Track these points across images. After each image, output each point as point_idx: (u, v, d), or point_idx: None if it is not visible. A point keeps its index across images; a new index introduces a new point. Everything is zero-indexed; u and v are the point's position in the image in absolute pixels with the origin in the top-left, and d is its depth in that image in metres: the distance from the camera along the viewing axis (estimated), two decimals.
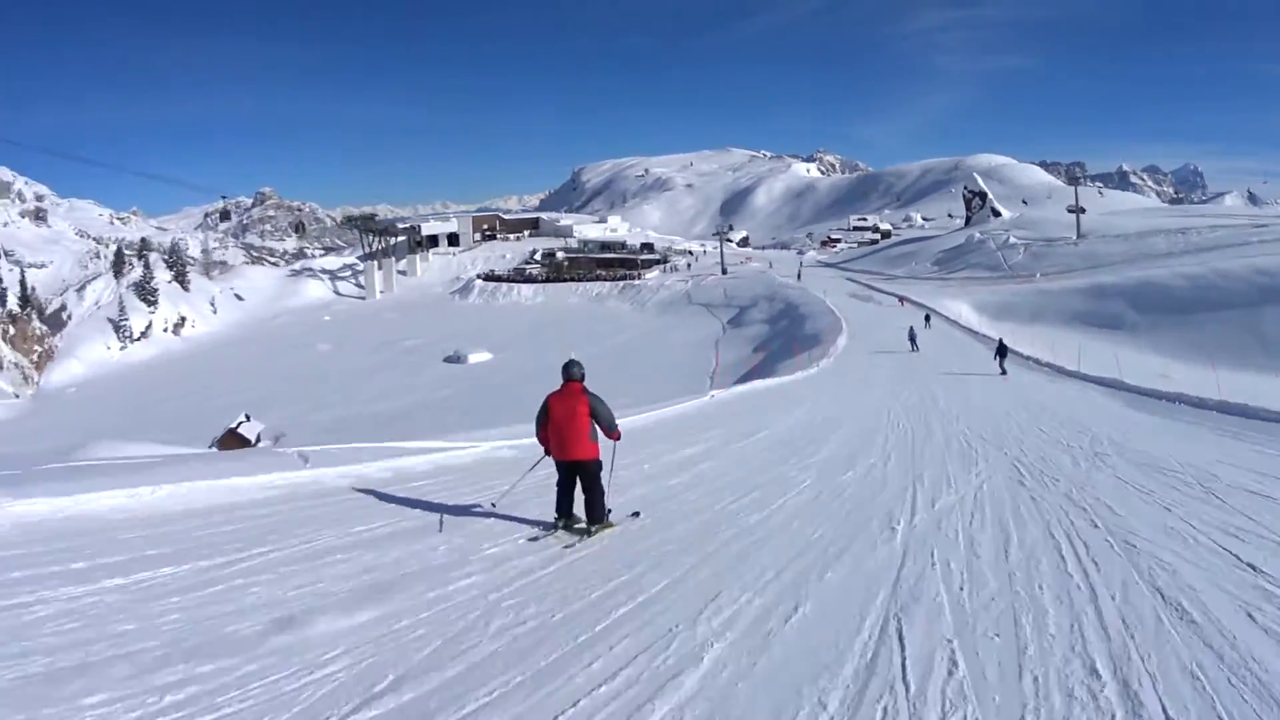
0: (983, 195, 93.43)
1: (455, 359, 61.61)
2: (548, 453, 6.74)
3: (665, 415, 16.47)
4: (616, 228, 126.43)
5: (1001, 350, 28.41)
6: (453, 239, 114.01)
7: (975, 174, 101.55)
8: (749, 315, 63.35)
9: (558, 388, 6.66)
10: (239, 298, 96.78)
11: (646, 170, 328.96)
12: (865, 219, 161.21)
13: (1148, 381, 23.94)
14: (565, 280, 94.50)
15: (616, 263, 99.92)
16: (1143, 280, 55.26)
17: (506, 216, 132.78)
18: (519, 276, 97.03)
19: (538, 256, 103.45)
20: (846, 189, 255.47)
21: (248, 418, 40.80)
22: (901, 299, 61.14)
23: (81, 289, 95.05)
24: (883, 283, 73.21)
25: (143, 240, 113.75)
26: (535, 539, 6.33)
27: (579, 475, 6.56)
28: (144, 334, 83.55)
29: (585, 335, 65.66)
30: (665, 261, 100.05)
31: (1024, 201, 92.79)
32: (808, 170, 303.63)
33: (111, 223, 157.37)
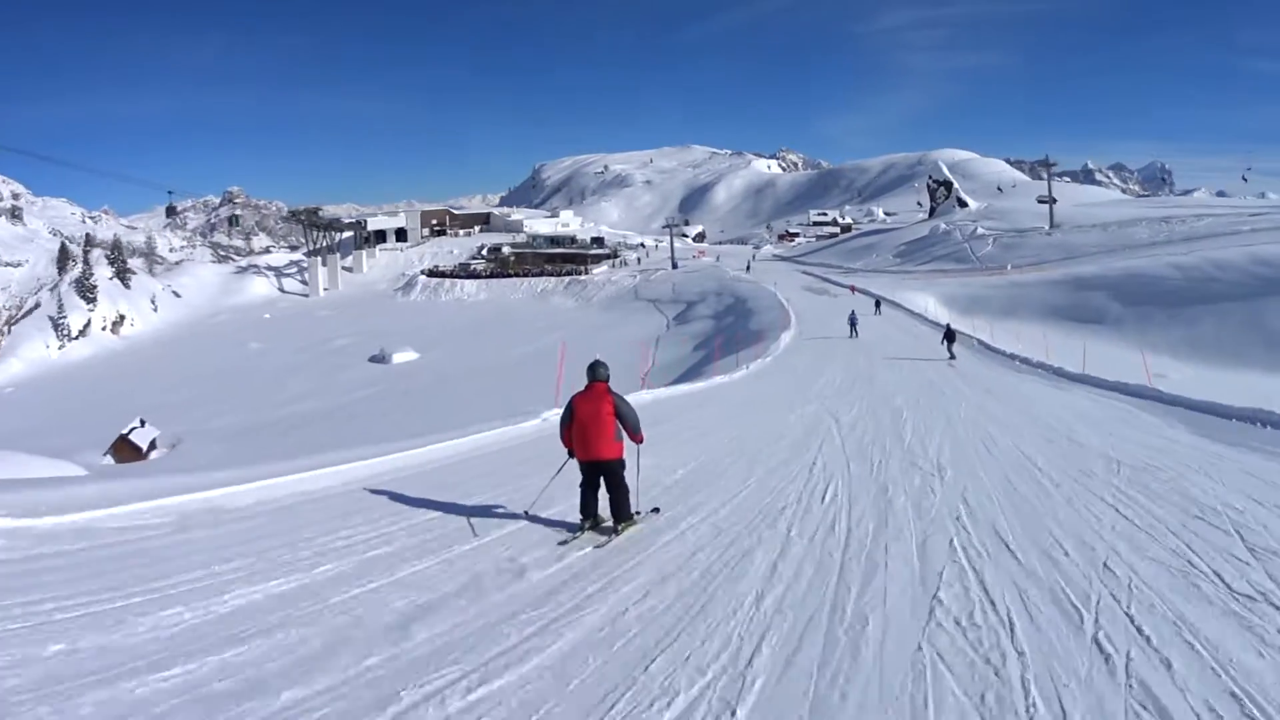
0: (948, 185, 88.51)
1: (380, 359, 57.56)
2: (571, 454, 6.61)
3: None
4: (569, 222, 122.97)
5: (949, 335, 27.90)
6: (400, 234, 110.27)
7: (940, 163, 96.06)
8: (696, 311, 58.10)
9: (582, 388, 6.59)
10: (176, 295, 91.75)
11: (606, 167, 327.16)
12: (825, 213, 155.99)
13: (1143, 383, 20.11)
14: (511, 276, 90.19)
15: (564, 258, 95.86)
16: (1128, 271, 50.34)
17: (457, 211, 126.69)
18: (462, 272, 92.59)
19: (484, 252, 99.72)
20: (807, 185, 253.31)
21: (142, 423, 36.77)
22: (852, 287, 57.94)
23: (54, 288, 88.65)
24: (841, 275, 67.78)
25: (86, 236, 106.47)
26: (565, 542, 6.27)
27: (603, 475, 6.48)
28: (82, 332, 79.34)
29: (521, 333, 61.91)
30: (615, 256, 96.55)
31: (999, 189, 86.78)
32: (768, 167, 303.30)
33: (84, 221, 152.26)
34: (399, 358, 57.06)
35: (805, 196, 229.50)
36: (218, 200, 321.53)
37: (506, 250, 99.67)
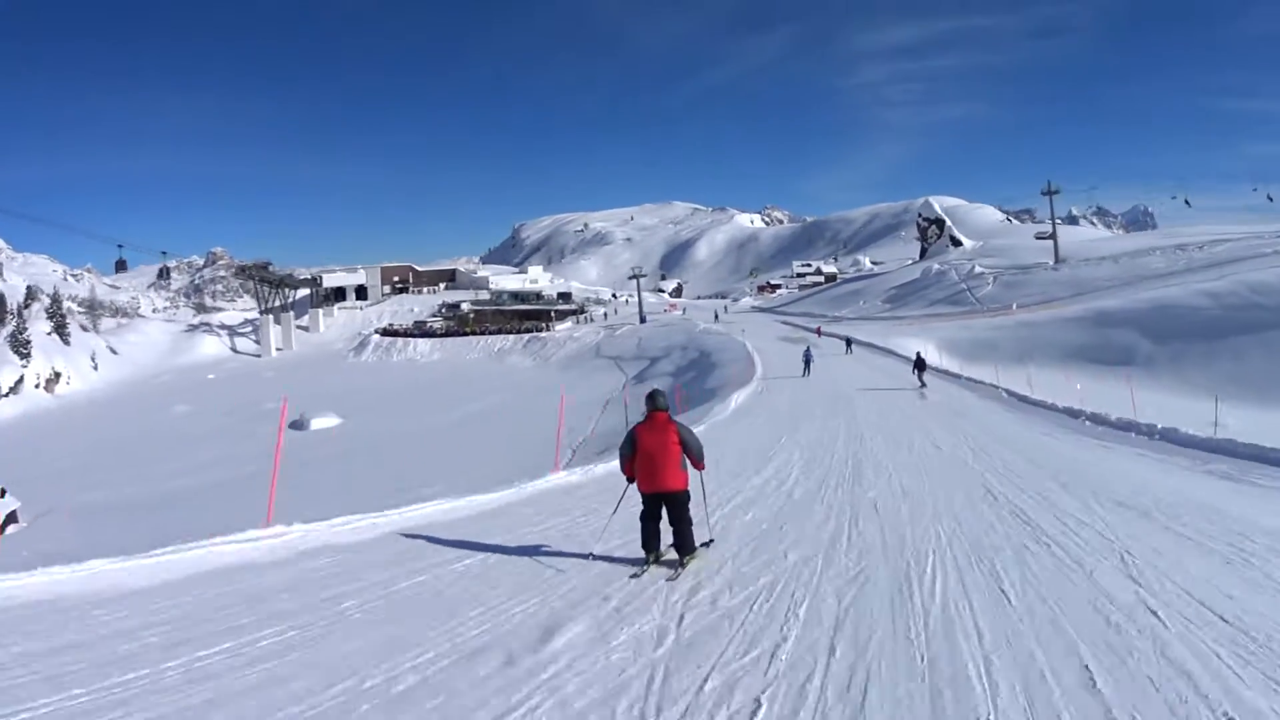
0: (940, 223, 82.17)
1: (298, 425, 51.23)
2: (630, 480, 6.61)
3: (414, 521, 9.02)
4: (537, 278, 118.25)
5: (920, 365, 27.45)
6: (361, 292, 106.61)
7: (932, 200, 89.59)
8: (658, 367, 51.91)
9: (643, 418, 6.57)
10: (113, 351, 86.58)
11: (586, 225, 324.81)
12: (809, 264, 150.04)
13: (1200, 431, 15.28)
14: (469, 334, 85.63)
15: (528, 315, 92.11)
16: (1155, 303, 43.57)
17: (421, 268, 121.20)
18: (416, 331, 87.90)
19: (443, 309, 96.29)
20: (790, 238, 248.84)
21: (2, 493, 29.33)
22: (818, 329, 53.97)
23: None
24: (826, 325, 60.24)
25: (28, 289, 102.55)
26: (636, 576, 6.21)
27: (668, 506, 6.39)
28: (14, 389, 73.20)
29: (465, 394, 56.33)
30: (581, 312, 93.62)
31: (1007, 217, 77.07)
32: (751, 221, 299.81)
33: (65, 279, 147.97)
34: (317, 423, 50.98)
35: (789, 250, 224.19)
36: (201, 261, 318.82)
37: (466, 307, 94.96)
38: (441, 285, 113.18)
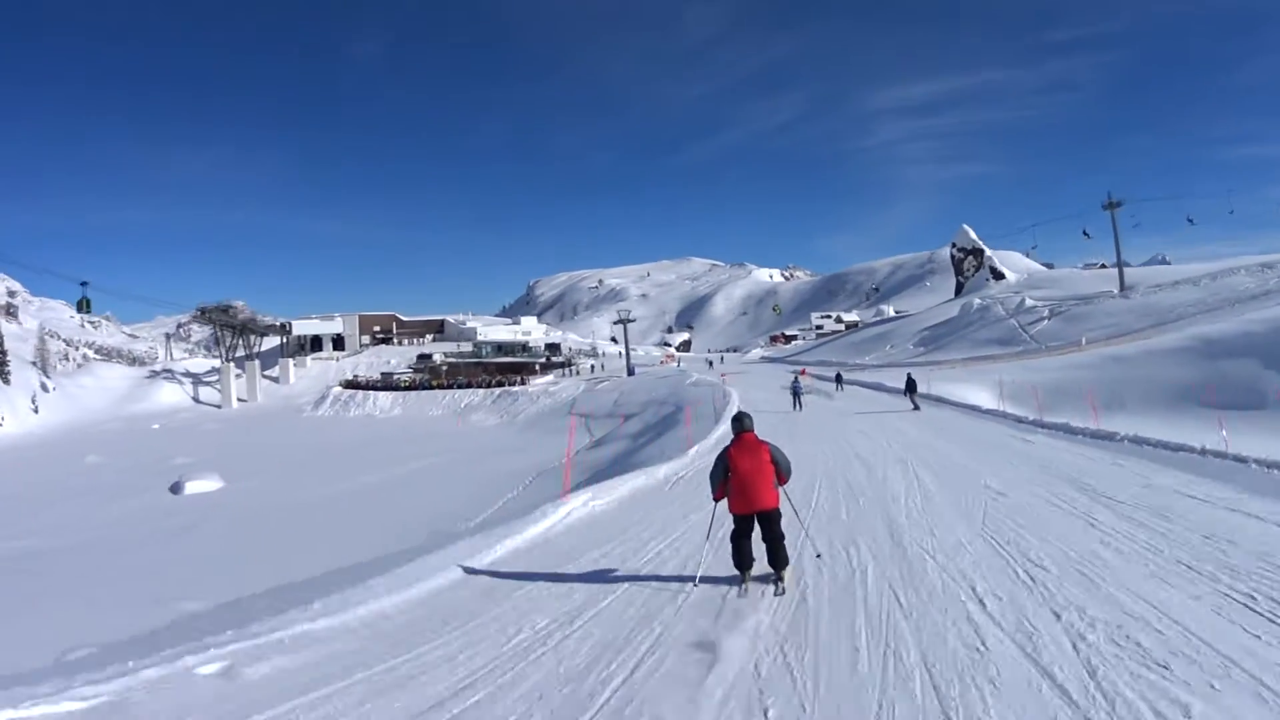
0: (977, 253, 71.14)
1: (176, 488, 43.90)
2: (717, 500, 6.85)
3: None
4: (531, 330, 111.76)
5: (910, 386, 28.18)
6: (338, 342, 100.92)
7: (967, 228, 78.67)
8: (628, 426, 42.05)
9: (731, 440, 6.79)
10: (45, 389, 78.62)
11: (600, 281, 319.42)
12: (829, 315, 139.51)
13: None
14: (436, 388, 77.80)
15: (509, 367, 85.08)
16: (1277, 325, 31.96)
17: (405, 318, 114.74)
18: (380, 384, 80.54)
19: (416, 361, 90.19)
20: (811, 292, 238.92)
21: None
22: (803, 370, 49.99)
23: None
24: (846, 371, 49.63)
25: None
26: (744, 594, 6.43)
27: (764, 524, 6.55)
28: None
29: (398, 455, 47.00)
30: (568, 365, 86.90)
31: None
32: (770, 276, 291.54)
33: (82, 326, 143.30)
34: (193, 487, 42.87)
35: (810, 303, 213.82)
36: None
37: (438, 359, 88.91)
38: (428, 336, 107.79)
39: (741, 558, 6.50)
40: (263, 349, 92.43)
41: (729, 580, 6.57)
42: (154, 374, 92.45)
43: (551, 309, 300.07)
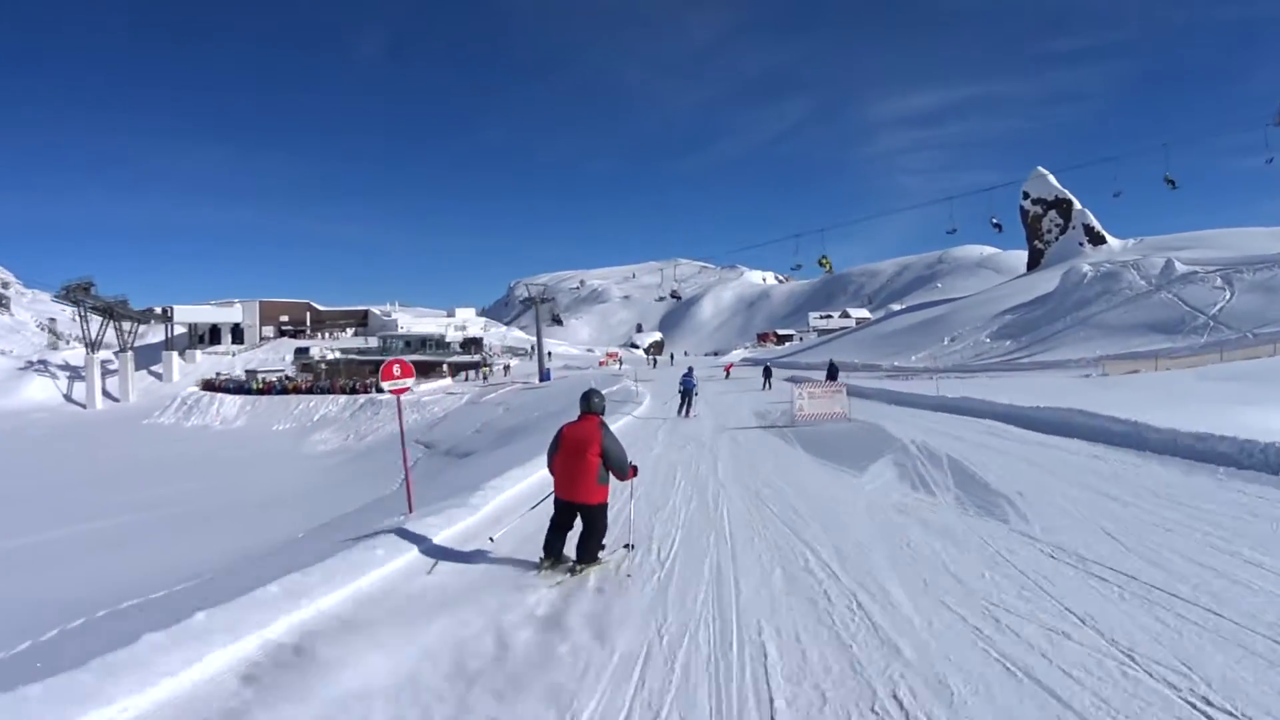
0: (1063, 206, 49.22)
1: None
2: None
3: None
4: (466, 324, 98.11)
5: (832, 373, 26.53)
6: (237, 333, 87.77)
7: (1044, 171, 56.12)
8: (488, 460, 20.03)
9: (575, 417, 6.21)
10: None
11: (582, 282, 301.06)
12: (829, 315, 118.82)
13: None
14: (295, 392, 61.24)
15: (416, 367, 57.13)
16: None
17: (323, 307, 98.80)
18: (232, 386, 64.74)
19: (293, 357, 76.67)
20: (807, 294, 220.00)
21: None
22: (728, 367, 47.11)
23: None
24: (875, 378, 28.59)
25: None
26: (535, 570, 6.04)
27: (581, 516, 6.08)
28: None
29: (114, 501, 30.45)
30: (483, 365, 72.21)
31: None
32: (763, 279, 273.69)
33: (74, 319, 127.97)
34: None
35: (806, 307, 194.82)
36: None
37: (316, 355, 75.20)
38: (349, 330, 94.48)
39: (548, 543, 6.10)
40: (131, 338, 75.59)
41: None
42: (29, 365, 77.69)
43: (529, 310, 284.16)
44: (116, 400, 69.49)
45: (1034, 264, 53.19)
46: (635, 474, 6.28)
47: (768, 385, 31.07)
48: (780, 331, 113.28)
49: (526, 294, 58.31)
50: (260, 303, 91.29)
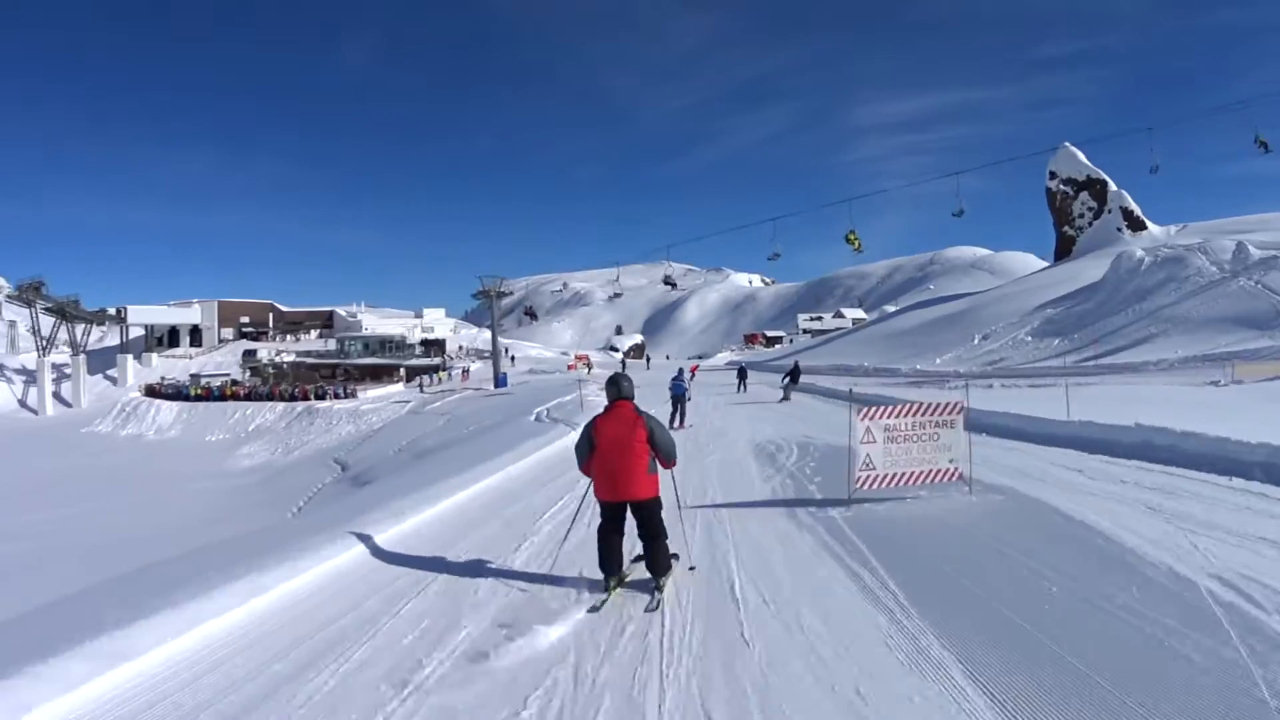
0: (1096, 187, 43.89)
1: None
2: (586, 475, 5.51)
3: None
4: (435, 325, 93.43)
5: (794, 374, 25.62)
6: (197, 336, 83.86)
7: (1071, 148, 50.60)
8: (395, 480, 16.19)
9: (603, 409, 5.41)
10: None
11: (564, 284, 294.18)
12: (819, 316, 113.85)
13: None
14: (233, 398, 56.90)
15: (372, 370, 66.13)
16: None
17: (285, 308, 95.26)
18: (171, 392, 60.57)
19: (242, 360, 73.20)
20: (795, 296, 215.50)
21: None
22: (694, 367, 41.91)
23: None
24: (892, 387, 23.41)
25: None
26: (596, 609, 4.95)
27: (638, 518, 5.26)
28: None
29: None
30: (440, 369, 66.36)
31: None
32: (749, 282, 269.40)
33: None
34: None
35: (795, 308, 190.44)
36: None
37: (264, 357, 72.67)
38: (314, 331, 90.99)
39: (605, 559, 5.24)
40: (83, 341, 71.43)
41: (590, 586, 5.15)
42: None
43: (510, 314, 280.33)
44: (69, 405, 65.38)
45: (1064, 252, 47.60)
46: (675, 463, 5.41)
47: (742, 388, 29.41)
48: (769, 333, 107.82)
49: (480, 287, 52.06)
50: (219, 303, 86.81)
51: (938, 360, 30.53)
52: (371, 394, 50.70)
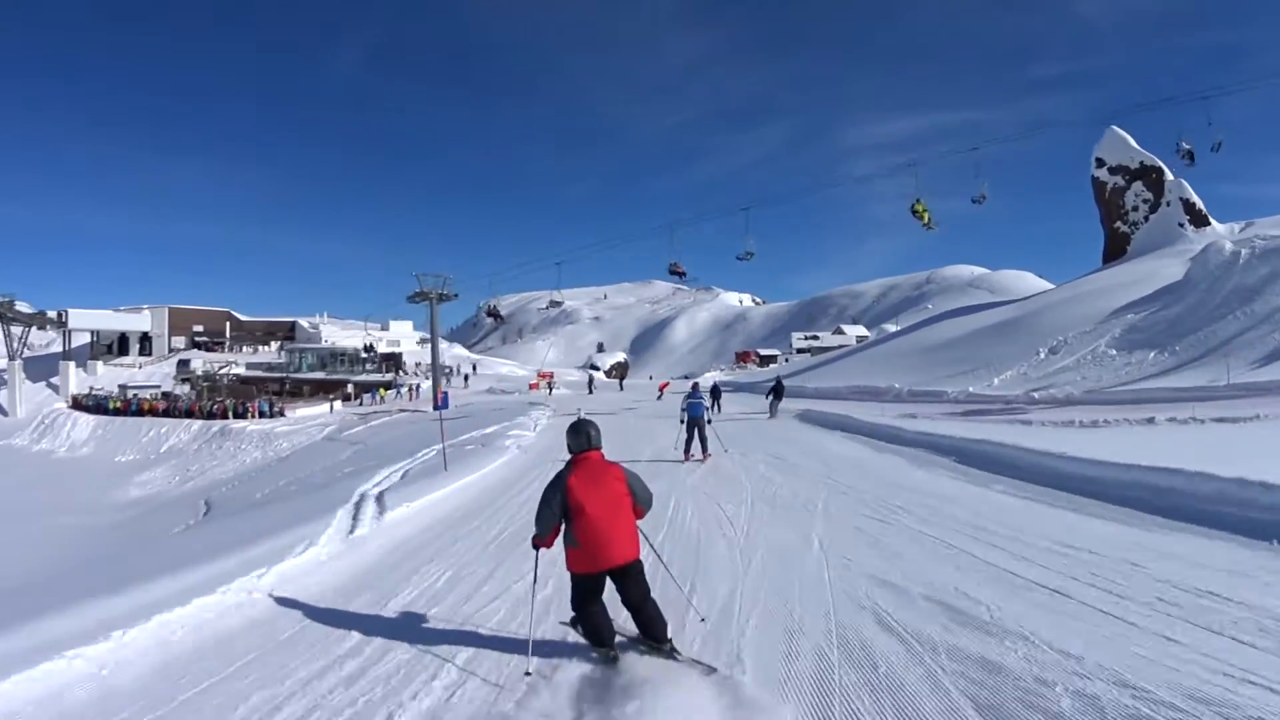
0: (1151, 176, 38.73)
1: None
2: (539, 547, 4.66)
3: None
4: (400, 339, 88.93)
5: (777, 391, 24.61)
6: (146, 343, 78.10)
7: (1120, 131, 44.57)
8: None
9: (566, 464, 4.64)
10: None
11: (551, 302, 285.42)
12: (815, 335, 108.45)
13: None
14: (150, 414, 51.07)
15: (320, 386, 62.36)
16: None
17: (244, 317, 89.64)
18: (92, 404, 55.22)
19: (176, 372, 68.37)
20: (786, 316, 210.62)
21: None
22: (662, 385, 45.00)
23: None
24: (960, 422, 18.39)
25: None
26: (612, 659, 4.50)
27: (622, 582, 4.50)
28: None
29: None
30: (389, 387, 60.86)
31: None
32: (740, 301, 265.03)
33: None
34: None
35: (787, 328, 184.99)
36: None
37: (198, 369, 66.96)
38: (274, 343, 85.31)
39: (598, 630, 4.50)
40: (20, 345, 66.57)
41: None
42: None
43: (495, 331, 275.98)
44: (5, 415, 60.28)
45: (1117, 253, 41.39)
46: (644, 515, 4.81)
47: (716, 408, 23.59)
48: (763, 351, 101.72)
49: (419, 286, 45.60)
50: (169, 309, 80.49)
51: (996, 381, 24.26)
52: (301, 413, 45.11)
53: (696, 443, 13.83)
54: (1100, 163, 44.70)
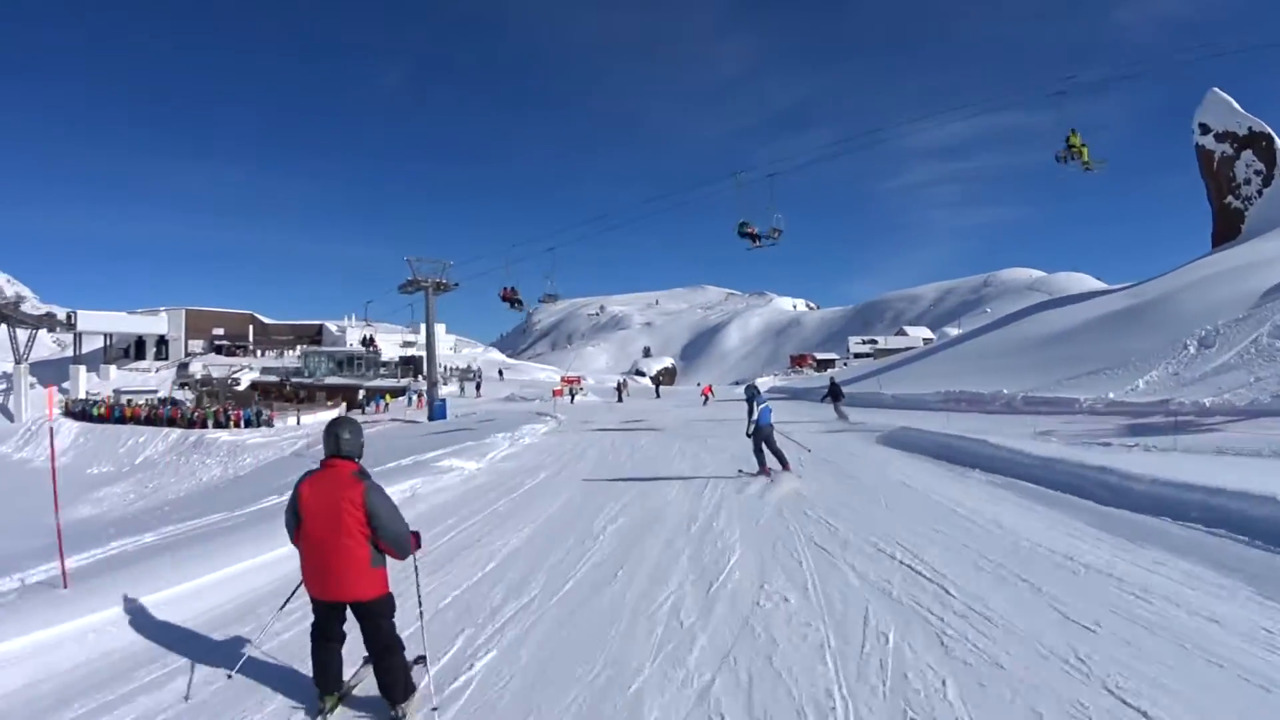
0: (1265, 141, 32.77)
1: None
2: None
3: None
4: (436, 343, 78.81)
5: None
6: (163, 347, 75.46)
7: (1222, 93, 37.78)
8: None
9: (316, 466, 3.76)
10: None
11: (601, 308, 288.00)
12: (874, 340, 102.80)
13: None
14: (133, 421, 47.98)
15: (332, 391, 59.55)
16: None
17: (268, 320, 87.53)
18: (78, 410, 52.22)
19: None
20: (841, 321, 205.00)
21: None
22: (707, 389, 45.10)
23: None
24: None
25: None
26: None
27: (361, 625, 3.67)
28: None
29: None
30: (400, 394, 58.42)
31: None
32: (793, 306, 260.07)
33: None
34: None
35: (841, 333, 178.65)
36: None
37: (197, 373, 65.55)
38: (298, 347, 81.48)
39: (319, 672, 3.71)
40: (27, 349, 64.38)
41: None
42: None
43: (545, 338, 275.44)
44: (11, 420, 58.14)
45: (1230, 233, 34.97)
46: (419, 546, 3.81)
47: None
48: (819, 355, 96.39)
49: (411, 273, 41.26)
50: (187, 311, 77.87)
51: (1140, 383, 18.49)
52: (307, 420, 42.14)
53: (770, 456, 11.15)
54: (1204, 128, 38.25)
